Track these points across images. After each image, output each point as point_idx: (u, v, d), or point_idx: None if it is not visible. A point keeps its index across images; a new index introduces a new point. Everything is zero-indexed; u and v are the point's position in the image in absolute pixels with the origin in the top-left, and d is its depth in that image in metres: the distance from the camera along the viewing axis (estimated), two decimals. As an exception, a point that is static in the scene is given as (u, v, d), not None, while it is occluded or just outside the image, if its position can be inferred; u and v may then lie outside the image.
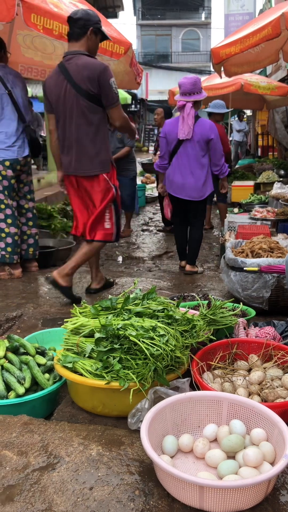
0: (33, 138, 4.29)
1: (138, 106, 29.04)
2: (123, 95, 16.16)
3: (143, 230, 7.31)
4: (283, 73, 11.26)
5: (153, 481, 1.60)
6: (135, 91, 19.98)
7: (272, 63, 8.00)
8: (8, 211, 4.19)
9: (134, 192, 7.21)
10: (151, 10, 34.85)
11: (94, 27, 3.27)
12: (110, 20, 5.90)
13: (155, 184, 10.45)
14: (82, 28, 3.25)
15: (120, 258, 5.59)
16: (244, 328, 2.51)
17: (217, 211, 7.75)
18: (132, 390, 1.86)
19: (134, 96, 22.90)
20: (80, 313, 2.30)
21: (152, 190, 10.49)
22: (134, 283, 2.66)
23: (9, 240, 4.21)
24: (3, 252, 4.21)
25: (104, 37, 3.38)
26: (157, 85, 29.77)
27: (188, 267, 4.66)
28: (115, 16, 14.15)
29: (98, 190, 3.46)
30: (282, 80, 11.18)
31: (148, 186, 10.77)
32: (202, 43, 34.95)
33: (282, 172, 8.79)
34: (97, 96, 3.24)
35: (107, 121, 3.42)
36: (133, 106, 27.27)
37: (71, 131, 3.36)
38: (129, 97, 17.11)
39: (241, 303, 2.88)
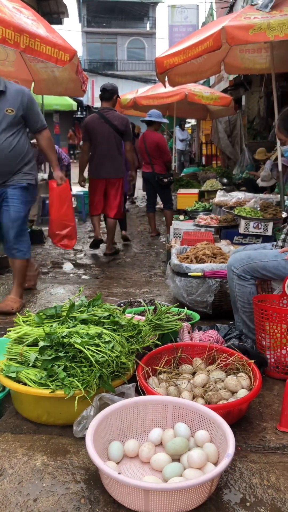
0: None
1: (84, 113, 28.96)
2: (69, 102, 16.04)
3: (90, 237, 7.27)
4: (225, 84, 11.62)
5: (99, 488, 1.60)
6: (80, 98, 19.91)
7: (215, 74, 8.23)
8: None
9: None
10: (96, 18, 34.93)
11: (117, 95, 5.82)
12: (55, 26, 5.87)
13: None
14: (111, 95, 5.69)
15: (67, 265, 5.54)
16: (189, 332, 2.56)
17: (164, 218, 7.88)
18: (77, 397, 1.85)
19: (80, 103, 22.83)
20: (23, 321, 2.26)
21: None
22: (80, 290, 2.65)
23: None
24: None
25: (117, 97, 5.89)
26: (103, 93, 29.84)
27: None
28: (59, 22, 14.09)
29: (119, 186, 5.78)
30: (224, 91, 11.53)
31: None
32: (147, 52, 35.41)
33: (225, 180, 9.03)
34: (123, 133, 5.64)
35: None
36: (79, 113, 27.18)
37: (108, 152, 5.61)
38: (74, 104, 17.01)
39: (185, 308, 2.93)
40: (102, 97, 5.74)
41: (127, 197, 8.26)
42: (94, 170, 5.73)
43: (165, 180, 7.05)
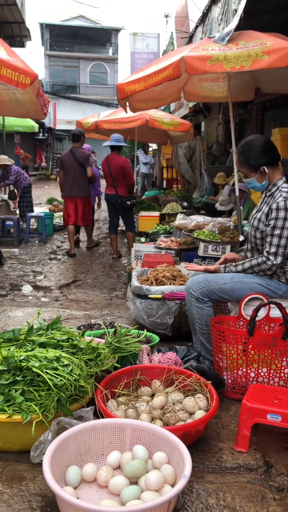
0: None
1: (46, 134, 28.97)
2: (30, 124, 16.05)
3: (50, 259, 7.22)
4: (185, 110, 11.95)
5: (56, 514, 1.58)
6: (42, 120, 19.94)
7: (175, 101, 8.47)
8: None
9: None
10: (59, 42, 35.29)
11: (84, 137, 7.80)
12: (17, 50, 5.92)
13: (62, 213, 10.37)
14: (79, 137, 7.62)
15: (27, 288, 5.47)
16: (148, 355, 2.58)
17: (125, 240, 7.94)
18: (34, 422, 1.83)
19: (42, 125, 22.86)
20: (-20, 345, 2.23)
21: (60, 218, 10.41)
22: (38, 313, 2.63)
23: None
24: None
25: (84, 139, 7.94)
26: (65, 115, 29.99)
27: None
28: (22, 45, 14.13)
29: (86, 203, 7.72)
30: (184, 117, 11.85)
31: (56, 214, 10.68)
32: (109, 77, 35.96)
33: (185, 203, 9.21)
34: (84, 164, 7.46)
35: None
36: (40, 134, 27.17)
37: (75, 178, 7.50)
38: (36, 126, 17.04)
39: (145, 330, 2.95)
40: (73, 140, 7.74)
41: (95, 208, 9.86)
42: (67, 191, 7.64)
43: (128, 202, 7.15)
